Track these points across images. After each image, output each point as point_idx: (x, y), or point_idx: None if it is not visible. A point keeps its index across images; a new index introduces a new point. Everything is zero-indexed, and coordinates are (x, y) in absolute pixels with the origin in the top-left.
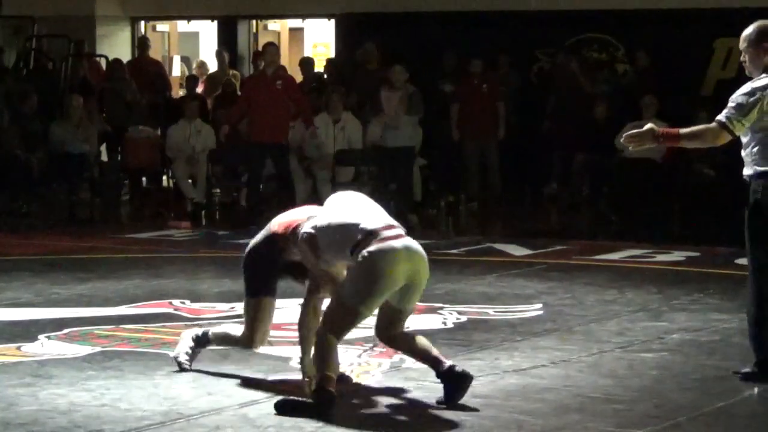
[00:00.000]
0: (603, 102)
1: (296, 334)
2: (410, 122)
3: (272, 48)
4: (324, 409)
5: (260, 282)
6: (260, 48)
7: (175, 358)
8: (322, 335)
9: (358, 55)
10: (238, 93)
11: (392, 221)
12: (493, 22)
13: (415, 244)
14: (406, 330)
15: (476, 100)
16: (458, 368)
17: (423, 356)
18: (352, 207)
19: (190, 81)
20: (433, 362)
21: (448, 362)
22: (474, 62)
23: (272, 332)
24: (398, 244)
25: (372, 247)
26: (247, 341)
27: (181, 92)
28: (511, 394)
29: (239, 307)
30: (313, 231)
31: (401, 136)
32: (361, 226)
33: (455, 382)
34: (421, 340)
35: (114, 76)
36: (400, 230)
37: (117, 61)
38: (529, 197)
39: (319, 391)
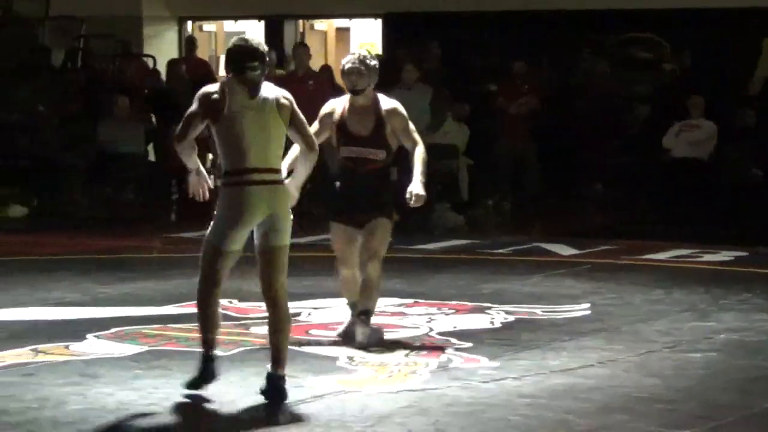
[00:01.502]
0: (643, 103)
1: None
2: (454, 121)
3: (302, 48)
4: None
5: None
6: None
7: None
8: None
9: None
10: None
11: (262, 162)
12: (537, 22)
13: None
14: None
15: (513, 102)
16: (281, 382)
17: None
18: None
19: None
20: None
21: (281, 371)
22: (517, 63)
23: (320, 332)
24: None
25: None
26: None
27: None
28: (557, 394)
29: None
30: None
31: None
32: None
33: (272, 391)
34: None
35: (170, 77)
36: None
37: (174, 61)
38: (574, 197)
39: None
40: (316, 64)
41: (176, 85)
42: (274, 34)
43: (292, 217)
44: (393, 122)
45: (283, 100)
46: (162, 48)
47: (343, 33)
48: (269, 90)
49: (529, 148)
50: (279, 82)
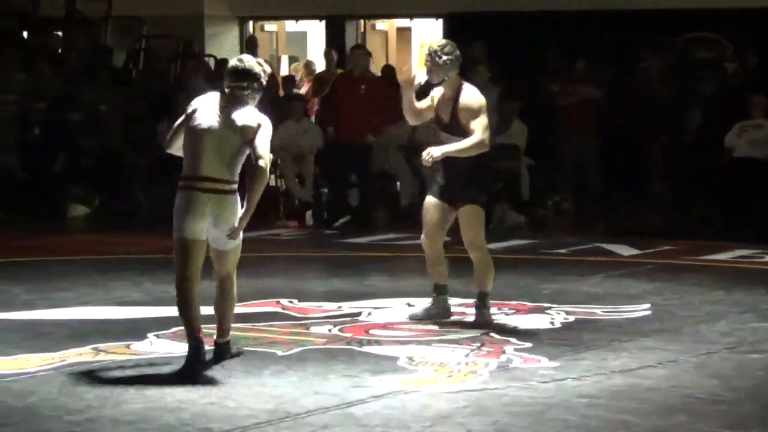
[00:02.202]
0: (705, 103)
1: (404, 334)
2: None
3: (358, 51)
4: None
5: None
6: (368, 48)
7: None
8: None
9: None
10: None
11: (210, 172)
12: (599, 22)
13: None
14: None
15: (578, 100)
16: (233, 349)
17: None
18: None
19: (286, 82)
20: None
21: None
22: (578, 63)
23: (380, 331)
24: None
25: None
26: None
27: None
28: (617, 394)
29: (346, 307)
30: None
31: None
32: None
33: (218, 355)
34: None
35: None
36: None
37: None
38: (635, 197)
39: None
40: (377, 63)
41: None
42: (335, 34)
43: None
44: (461, 115)
45: (249, 125)
46: (223, 48)
47: (404, 33)
48: (246, 114)
49: (591, 147)
50: (336, 82)
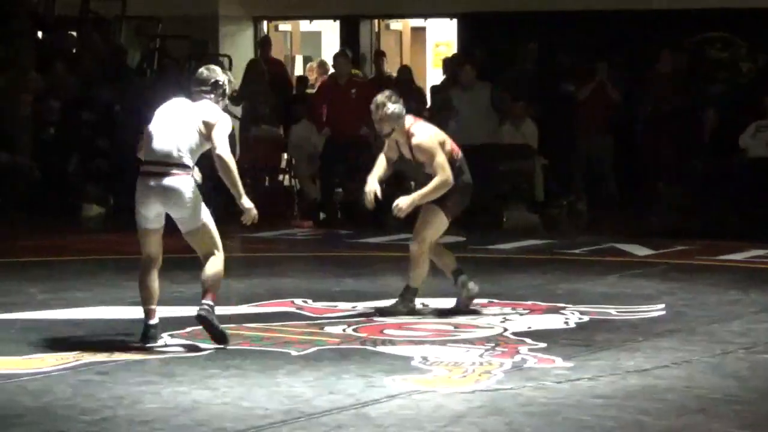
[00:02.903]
0: (719, 102)
1: (419, 334)
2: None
3: (340, 58)
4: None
5: None
6: (382, 48)
7: None
8: None
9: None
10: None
11: (166, 157)
12: (613, 22)
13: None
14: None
15: (597, 101)
16: (206, 306)
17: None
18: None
19: (300, 81)
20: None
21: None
22: (599, 65)
23: (394, 331)
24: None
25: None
26: None
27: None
28: (632, 395)
29: (361, 306)
30: None
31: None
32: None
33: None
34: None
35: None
36: (161, 167)
37: (254, 61)
38: (648, 197)
39: None
40: (391, 63)
41: (254, 85)
42: (349, 34)
43: (198, 203)
44: (418, 157)
45: (209, 120)
46: (238, 48)
47: (418, 33)
48: (207, 110)
49: (606, 147)
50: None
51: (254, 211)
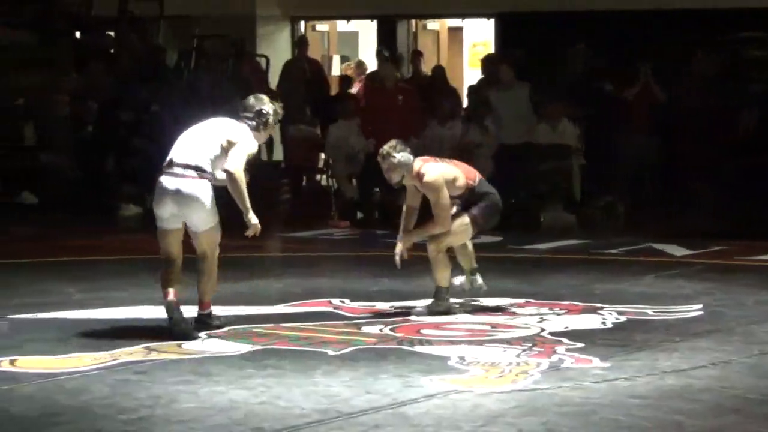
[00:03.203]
0: (757, 102)
1: (456, 333)
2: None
3: (387, 65)
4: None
5: None
6: (419, 48)
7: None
8: None
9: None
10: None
11: (188, 161)
12: (649, 21)
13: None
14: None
15: (642, 102)
16: (204, 317)
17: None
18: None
19: (343, 81)
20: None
21: (209, 309)
22: (642, 66)
23: (431, 331)
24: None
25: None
26: None
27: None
28: (669, 395)
29: (398, 306)
30: None
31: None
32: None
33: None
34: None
35: (289, 77)
36: (182, 169)
37: (291, 61)
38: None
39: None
40: (428, 63)
41: (291, 85)
42: (386, 34)
43: (211, 207)
44: (426, 194)
45: (233, 139)
46: (275, 48)
47: (455, 33)
48: (236, 129)
49: (650, 147)
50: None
51: (258, 226)
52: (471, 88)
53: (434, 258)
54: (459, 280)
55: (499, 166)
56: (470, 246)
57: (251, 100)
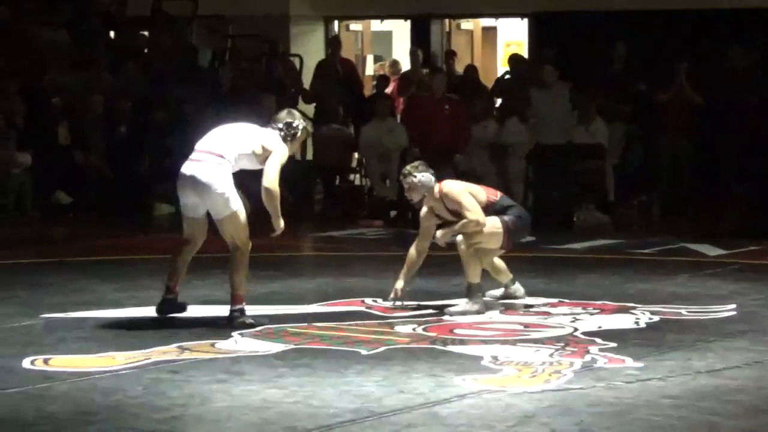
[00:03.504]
0: None
1: (489, 333)
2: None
3: (439, 75)
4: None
5: None
6: (453, 47)
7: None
8: None
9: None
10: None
11: (209, 148)
12: (685, 21)
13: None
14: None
15: (678, 102)
16: (247, 320)
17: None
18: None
19: (381, 81)
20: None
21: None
22: (679, 65)
23: (464, 331)
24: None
25: None
26: None
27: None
28: (703, 395)
29: (431, 306)
30: None
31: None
32: None
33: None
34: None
35: (322, 77)
36: (199, 155)
37: (324, 61)
38: (720, 197)
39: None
40: (462, 63)
41: (324, 84)
42: (420, 34)
43: (226, 191)
44: (449, 206)
45: (268, 146)
46: (308, 48)
47: (489, 32)
48: (272, 138)
49: (686, 147)
50: (416, 101)
51: (283, 228)
52: (499, 84)
53: (466, 254)
54: (498, 292)
55: (535, 165)
56: (499, 261)
57: (283, 113)
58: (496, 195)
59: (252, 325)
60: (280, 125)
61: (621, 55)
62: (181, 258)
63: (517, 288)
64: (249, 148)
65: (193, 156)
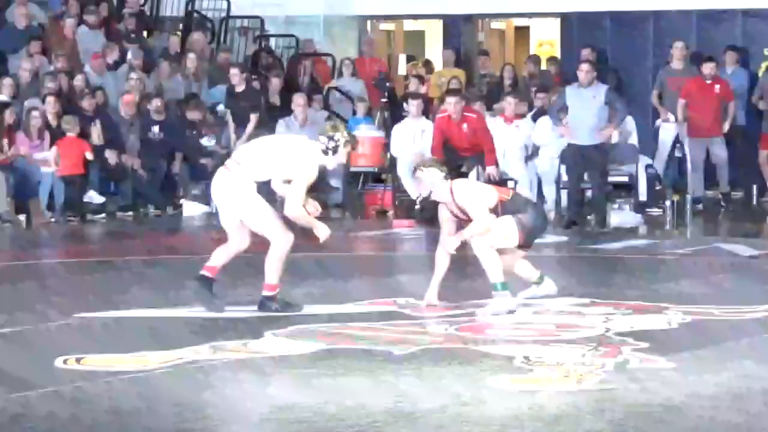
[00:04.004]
0: None
1: (522, 333)
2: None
3: (454, 97)
4: None
5: None
6: (485, 47)
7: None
8: None
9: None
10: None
11: (239, 156)
12: (722, 20)
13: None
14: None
15: (706, 100)
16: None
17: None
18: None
19: (408, 80)
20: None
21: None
22: (706, 64)
23: (496, 331)
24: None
25: None
26: None
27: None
28: (735, 396)
29: (464, 306)
30: None
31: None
32: None
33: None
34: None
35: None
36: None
37: (357, 60)
38: (756, 197)
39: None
40: (495, 63)
41: (356, 84)
42: (452, 34)
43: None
44: (462, 206)
45: (294, 171)
46: (341, 47)
47: (522, 32)
48: (304, 156)
49: (719, 146)
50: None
51: (327, 231)
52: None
53: (481, 253)
54: (528, 292)
55: (568, 165)
56: (524, 261)
57: (329, 125)
58: (507, 194)
59: (277, 310)
60: (324, 138)
61: (682, 53)
62: (221, 249)
63: (548, 284)
64: (277, 165)
65: (225, 164)
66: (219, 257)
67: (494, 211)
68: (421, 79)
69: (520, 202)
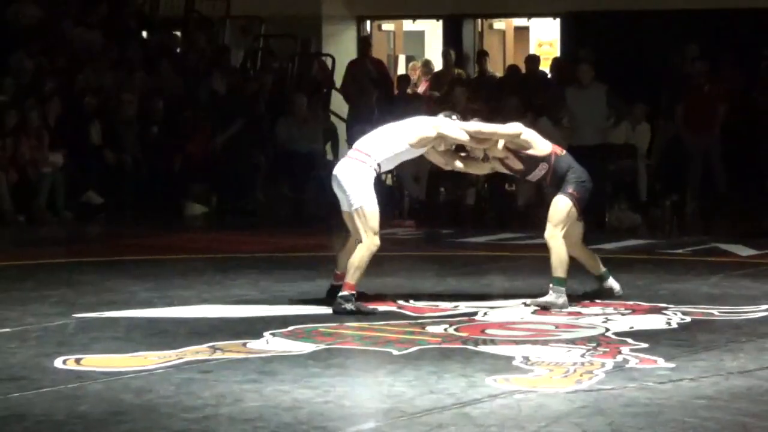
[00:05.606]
0: None
1: (520, 333)
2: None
3: (460, 90)
4: None
5: None
6: (485, 47)
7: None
8: None
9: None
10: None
11: (359, 147)
12: (717, 20)
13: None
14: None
15: (699, 101)
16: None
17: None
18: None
19: (403, 81)
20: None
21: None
22: (697, 64)
23: (496, 331)
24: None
25: None
26: None
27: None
28: (736, 396)
29: (462, 306)
30: None
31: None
32: None
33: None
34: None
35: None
36: (351, 152)
37: (356, 60)
38: (755, 196)
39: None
40: (494, 63)
41: (356, 85)
42: (452, 34)
43: (356, 186)
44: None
45: (423, 130)
46: (341, 47)
47: (521, 32)
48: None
49: (716, 146)
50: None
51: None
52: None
53: (553, 245)
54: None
55: None
56: (590, 253)
57: (442, 115)
58: (561, 151)
59: (352, 312)
60: (435, 116)
61: (694, 55)
62: (344, 249)
63: (613, 283)
64: (403, 143)
65: (347, 154)
66: (342, 261)
67: (546, 160)
68: (408, 80)
69: (570, 160)
